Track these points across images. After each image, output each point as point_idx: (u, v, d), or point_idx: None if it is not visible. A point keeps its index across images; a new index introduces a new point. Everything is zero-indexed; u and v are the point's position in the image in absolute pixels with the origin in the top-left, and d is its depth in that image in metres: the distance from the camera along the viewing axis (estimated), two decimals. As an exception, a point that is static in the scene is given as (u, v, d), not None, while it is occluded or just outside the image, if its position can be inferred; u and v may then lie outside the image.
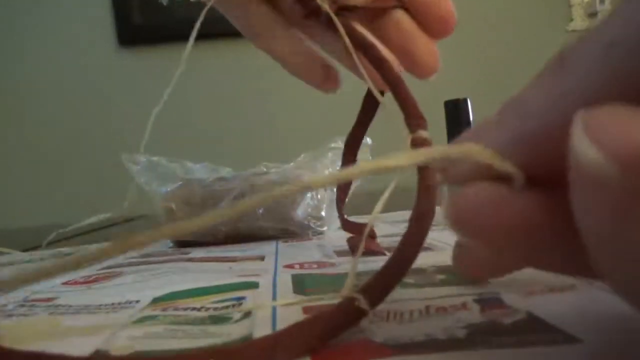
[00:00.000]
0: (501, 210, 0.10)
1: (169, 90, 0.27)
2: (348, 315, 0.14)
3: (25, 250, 0.48)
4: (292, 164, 0.46)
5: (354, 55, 0.24)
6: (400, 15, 0.26)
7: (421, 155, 0.10)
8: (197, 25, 0.27)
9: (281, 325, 0.15)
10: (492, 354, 0.13)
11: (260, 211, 0.41)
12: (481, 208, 0.10)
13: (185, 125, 1.40)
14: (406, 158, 0.10)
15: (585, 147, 0.07)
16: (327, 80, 0.30)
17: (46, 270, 0.10)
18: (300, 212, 0.41)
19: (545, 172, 0.10)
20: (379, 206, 0.17)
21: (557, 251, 0.10)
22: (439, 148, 0.10)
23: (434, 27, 0.26)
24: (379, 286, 0.15)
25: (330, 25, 0.25)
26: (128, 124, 1.40)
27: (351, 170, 0.10)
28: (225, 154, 1.16)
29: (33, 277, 0.10)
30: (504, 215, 0.10)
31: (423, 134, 0.19)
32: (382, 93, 0.25)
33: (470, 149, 0.10)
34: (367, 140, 0.46)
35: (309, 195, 0.42)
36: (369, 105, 0.28)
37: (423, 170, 0.18)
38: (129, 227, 0.75)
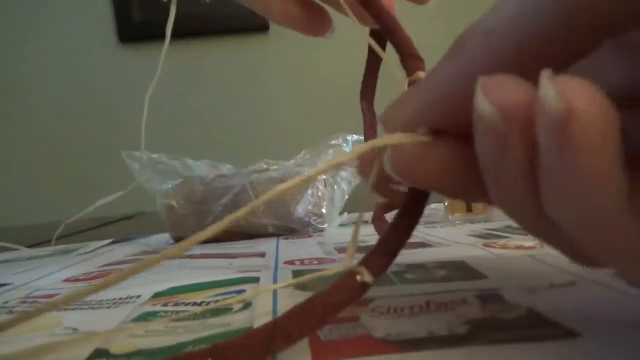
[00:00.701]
0: (421, 160, 0.13)
1: (151, 88, 0.26)
2: (349, 291, 0.13)
3: (29, 246, 0.48)
4: (292, 160, 0.46)
5: None
6: None
7: (358, 149, 0.13)
8: (171, 19, 0.25)
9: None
10: (494, 349, 0.13)
11: (261, 208, 0.41)
12: (407, 160, 0.14)
13: (186, 123, 1.40)
14: (348, 155, 0.13)
15: (481, 100, 0.10)
16: (314, 23, 0.27)
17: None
18: (300, 209, 0.41)
19: (451, 125, 0.13)
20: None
21: (464, 185, 0.14)
22: (371, 142, 0.14)
23: None
24: (381, 255, 0.14)
25: None
26: (128, 120, 1.40)
27: (311, 173, 0.13)
28: (226, 151, 1.16)
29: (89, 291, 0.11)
30: (423, 163, 0.13)
31: (421, 75, 0.18)
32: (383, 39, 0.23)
33: (395, 138, 0.13)
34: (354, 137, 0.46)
35: (309, 192, 0.42)
36: (374, 54, 0.26)
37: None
38: (129, 224, 0.75)
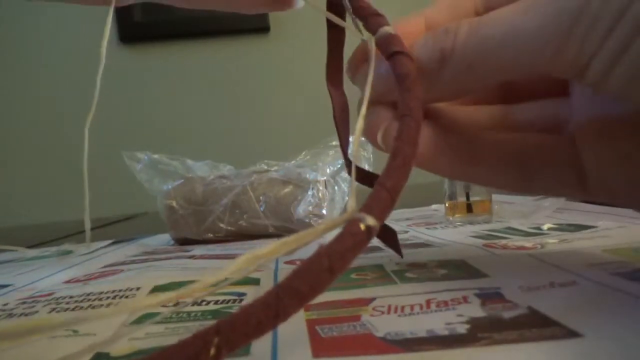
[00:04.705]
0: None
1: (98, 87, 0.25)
2: (354, 237, 0.12)
3: (30, 247, 0.48)
4: (293, 161, 0.46)
5: None
6: None
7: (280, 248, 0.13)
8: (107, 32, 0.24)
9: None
10: (494, 350, 0.13)
11: (262, 209, 0.41)
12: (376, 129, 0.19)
13: (186, 123, 1.40)
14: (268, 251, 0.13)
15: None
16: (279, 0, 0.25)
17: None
18: (301, 209, 0.41)
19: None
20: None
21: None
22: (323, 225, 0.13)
23: None
24: (383, 197, 0.13)
25: None
26: (129, 121, 1.40)
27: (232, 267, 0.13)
28: (226, 151, 1.16)
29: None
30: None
31: (388, 29, 0.18)
32: (342, 11, 0.22)
33: (330, 223, 0.13)
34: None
35: (310, 193, 0.42)
36: (333, 28, 0.25)
37: (396, 63, 0.17)
38: (130, 225, 0.75)
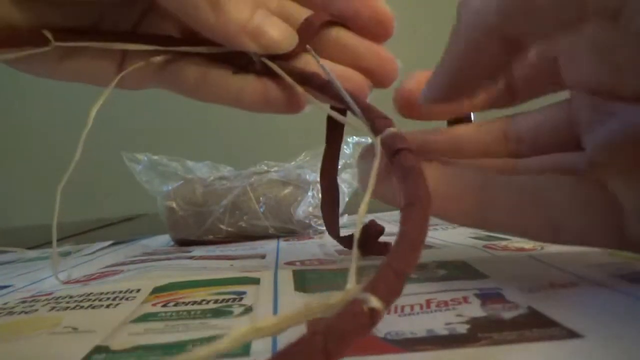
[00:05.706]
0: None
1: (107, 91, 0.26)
2: (355, 317, 0.11)
3: (30, 248, 0.48)
4: (293, 162, 0.46)
5: (298, 88, 0.24)
6: (336, 32, 0.25)
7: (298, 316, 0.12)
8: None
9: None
10: (494, 350, 0.13)
11: (262, 210, 0.41)
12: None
13: (186, 123, 1.40)
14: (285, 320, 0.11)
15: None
16: (290, 104, 0.27)
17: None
18: (301, 211, 0.41)
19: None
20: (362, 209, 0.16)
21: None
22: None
23: (371, 31, 0.24)
24: (390, 278, 0.12)
25: (265, 72, 0.25)
26: (129, 122, 1.39)
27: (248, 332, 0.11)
28: (226, 152, 1.16)
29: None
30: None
31: (392, 130, 0.18)
32: (344, 112, 0.24)
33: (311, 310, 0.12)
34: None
35: (310, 194, 0.42)
36: (334, 128, 0.27)
37: (401, 155, 0.17)
38: (130, 226, 0.75)
